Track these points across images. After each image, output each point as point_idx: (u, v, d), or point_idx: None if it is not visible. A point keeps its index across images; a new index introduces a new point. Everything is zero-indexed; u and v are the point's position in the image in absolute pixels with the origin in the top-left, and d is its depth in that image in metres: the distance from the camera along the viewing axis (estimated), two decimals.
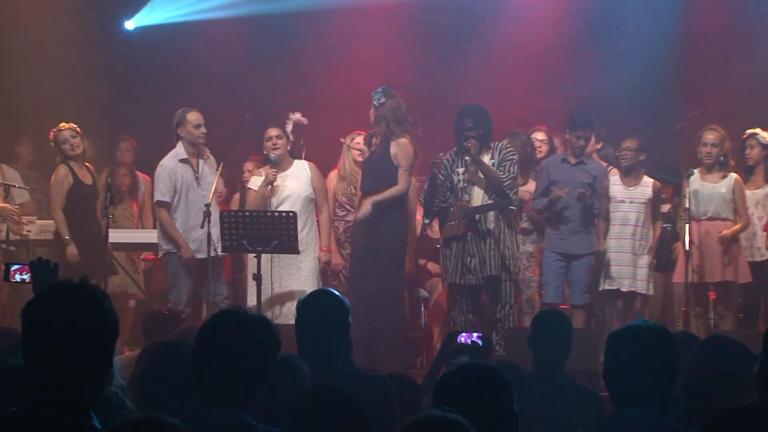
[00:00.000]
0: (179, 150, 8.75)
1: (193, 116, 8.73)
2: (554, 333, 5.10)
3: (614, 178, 9.08)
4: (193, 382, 3.16)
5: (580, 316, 8.78)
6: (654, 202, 9.01)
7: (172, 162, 8.73)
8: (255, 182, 8.81)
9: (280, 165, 8.69)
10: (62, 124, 8.98)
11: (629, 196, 8.96)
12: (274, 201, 8.64)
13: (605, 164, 9.42)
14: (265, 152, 8.76)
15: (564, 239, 8.81)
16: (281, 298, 8.55)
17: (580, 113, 8.97)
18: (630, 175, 9.01)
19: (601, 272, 8.97)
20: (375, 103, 8.51)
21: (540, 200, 8.85)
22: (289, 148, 8.85)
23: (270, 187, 8.59)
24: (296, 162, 8.83)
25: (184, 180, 8.67)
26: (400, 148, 8.44)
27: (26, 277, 4.70)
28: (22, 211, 9.37)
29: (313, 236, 8.69)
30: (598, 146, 9.50)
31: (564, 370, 5.02)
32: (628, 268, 8.89)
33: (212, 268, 8.56)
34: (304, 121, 9.19)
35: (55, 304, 2.65)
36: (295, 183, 8.69)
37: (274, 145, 8.67)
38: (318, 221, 8.82)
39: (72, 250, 8.75)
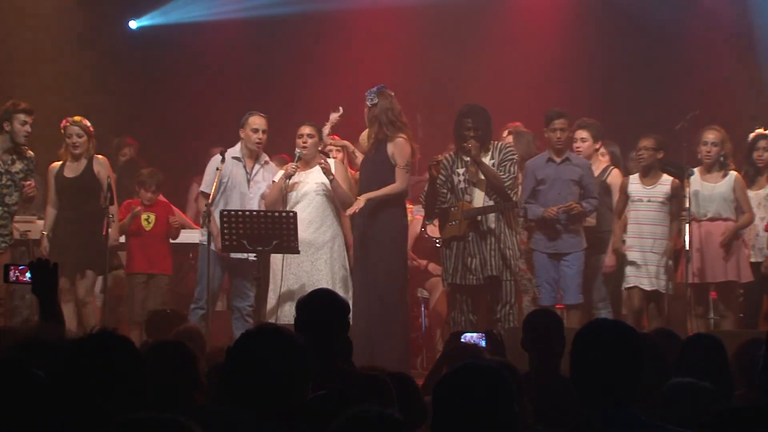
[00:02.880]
0: (236, 148, 8.83)
1: (254, 120, 8.77)
2: (544, 333, 5.11)
3: (633, 176, 9.04)
4: (186, 381, 3.17)
5: (576, 315, 8.76)
6: (674, 200, 8.90)
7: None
8: (278, 176, 8.78)
9: (307, 163, 8.67)
10: (76, 118, 8.95)
11: (647, 195, 8.90)
12: (293, 196, 8.62)
13: (606, 163, 9.41)
14: (295, 148, 8.71)
15: (552, 239, 8.79)
16: (294, 296, 8.50)
17: (551, 109, 8.92)
18: (648, 174, 8.98)
19: (621, 272, 8.96)
20: (368, 103, 8.50)
21: (532, 208, 8.79)
22: (320, 148, 8.83)
23: (288, 181, 8.56)
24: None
25: (232, 177, 8.72)
26: (396, 147, 8.41)
27: (25, 278, 4.71)
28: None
29: (330, 235, 8.66)
30: (597, 146, 9.47)
31: (560, 370, 5.02)
32: (648, 267, 8.87)
33: (241, 269, 8.74)
34: (340, 111, 9.12)
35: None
36: (317, 180, 8.65)
37: (305, 143, 8.66)
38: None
39: (43, 242, 8.79)
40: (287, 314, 8.36)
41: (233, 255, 8.61)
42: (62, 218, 8.87)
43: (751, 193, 8.98)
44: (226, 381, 3.14)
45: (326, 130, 9.02)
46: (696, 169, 8.90)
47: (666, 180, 8.93)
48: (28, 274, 4.68)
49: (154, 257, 9.46)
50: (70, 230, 8.79)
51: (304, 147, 8.64)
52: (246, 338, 3.19)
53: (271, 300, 8.53)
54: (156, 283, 9.44)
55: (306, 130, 8.70)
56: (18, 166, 8.58)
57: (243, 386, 3.09)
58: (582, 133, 9.26)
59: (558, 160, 8.85)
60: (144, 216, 9.45)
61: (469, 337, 5.68)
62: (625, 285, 8.95)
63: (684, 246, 8.62)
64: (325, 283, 8.38)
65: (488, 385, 2.96)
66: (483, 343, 5.60)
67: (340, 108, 9.15)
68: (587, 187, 8.81)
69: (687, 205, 8.66)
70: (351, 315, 4.64)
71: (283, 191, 8.59)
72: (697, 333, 6.73)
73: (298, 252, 8.30)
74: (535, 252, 8.90)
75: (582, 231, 8.87)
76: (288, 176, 8.53)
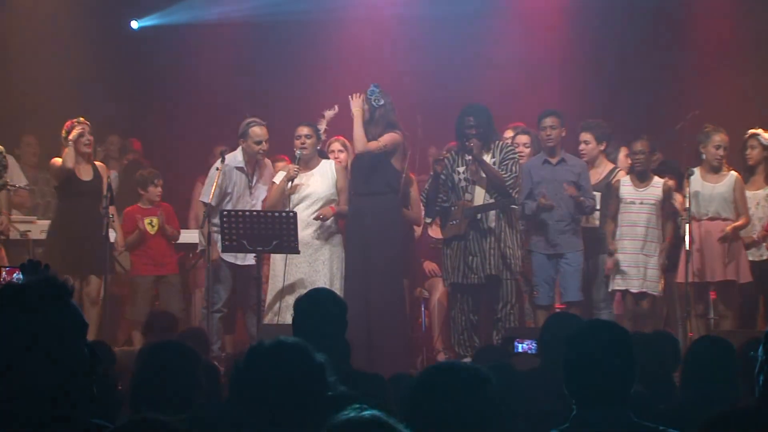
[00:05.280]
0: (238, 156, 8.81)
1: (256, 132, 8.75)
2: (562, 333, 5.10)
3: (624, 179, 9.03)
4: (186, 382, 3.16)
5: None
6: (665, 203, 8.93)
7: (225, 167, 8.73)
8: (278, 177, 8.78)
9: (306, 164, 8.66)
10: (81, 118, 8.97)
11: (639, 198, 8.90)
12: (294, 198, 8.61)
13: (612, 165, 9.39)
14: (294, 150, 8.71)
15: (550, 240, 8.77)
16: (292, 295, 8.50)
17: (546, 109, 8.93)
18: (641, 176, 8.95)
19: (611, 273, 8.95)
20: (374, 103, 8.51)
21: (527, 204, 8.78)
22: (319, 147, 8.85)
23: (291, 183, 8.56)
24: (323, 162, 8.79)
25: (236, 186, 8.75)
26: (388, 136, 8.51)
27: (13, 278, 4.71)
28: (15, 199, 9.40)
29: (329, 237, 8.64)
30: (602, 147, 9.45)
31: None
32: (638, 269, 8.85)
33: (243, 272, 8.77)
34: (335, 110, 9.11)
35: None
36: (318, 182, 8.65)
37: (303, 143, 8.64)
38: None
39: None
40: (286, 315, 8.37)
41: (232, 260, 8.69)
42: (70, 221, 8.84)
43: (750, 193, 8.98)
44: (234, 392, 3.12)
45: (322, 127, 9.03)
46: (696, 169, 8.90)
47: (657, 182, 8.95)
48: (16, 275, 4.67)
49: (161, 259, 9.44)
50: (77, 235, 8.77)
51: (303, 148, 8.63)
52: (258, 354, 3.15)
53: (271, 301, 8.53)
54: (169, 282, 9.45)
55: (304, 130, 8.68)
56: None
57: (251, 400, 3.07)
58: (585, 135, 9.25)
59: (553, 161, 8.84)
60: (147, 220, 9.44)
61: (518, 343, 5.64)
62: (614, 287, 8.96)
63: (684, 246, 8.63)
64: (323, 284, 8.35)
65: (464, 383, 2.91)
66: (535, 352, 5.55)
67: (336, 107, 9.15)
68: (583, 187, 8.80)
69: (687, 204, 8.66)
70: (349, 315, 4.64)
71: (285, 193, 8.60)
72: (704, 335, 6.68)
73: (298, 252, 8.29)
74: (533, 253, 8.89)
75: (579, 232, 8.86)
76: (290, 179, 8.53)
